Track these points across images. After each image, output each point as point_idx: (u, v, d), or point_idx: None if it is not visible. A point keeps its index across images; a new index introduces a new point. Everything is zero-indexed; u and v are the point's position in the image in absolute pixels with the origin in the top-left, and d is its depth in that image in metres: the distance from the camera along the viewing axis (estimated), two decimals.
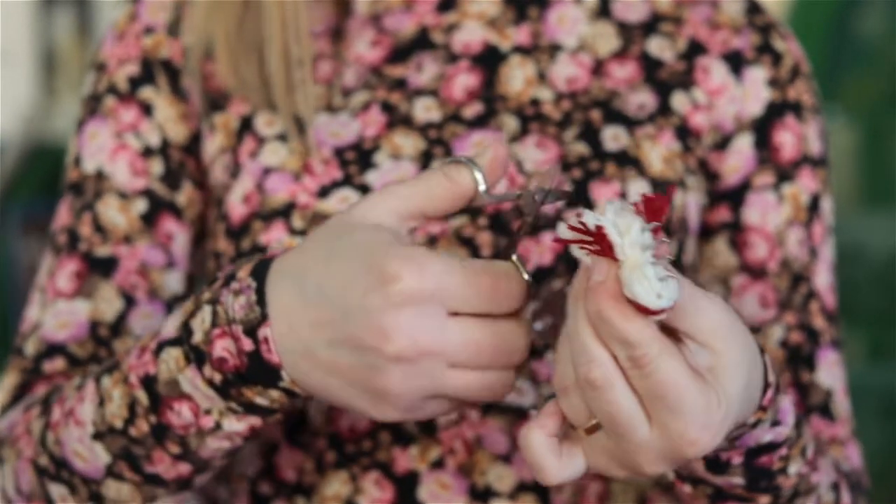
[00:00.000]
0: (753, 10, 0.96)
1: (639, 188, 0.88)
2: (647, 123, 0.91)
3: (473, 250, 0.86)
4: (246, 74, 0.92)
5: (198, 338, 0.76)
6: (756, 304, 0.92)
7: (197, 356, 0.76)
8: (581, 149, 0.89)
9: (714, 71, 0.93)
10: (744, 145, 0.93)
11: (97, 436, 0.81)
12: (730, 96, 0.93)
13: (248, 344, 0.74)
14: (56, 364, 0.91)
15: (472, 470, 0.87)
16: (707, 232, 0.94)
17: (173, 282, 0.93)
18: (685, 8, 0.95)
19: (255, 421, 0.77)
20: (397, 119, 0.91)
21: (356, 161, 0.89)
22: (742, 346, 0.68)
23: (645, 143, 0.90)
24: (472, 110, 0.91)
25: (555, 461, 0.69)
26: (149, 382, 0.78)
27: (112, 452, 0.81)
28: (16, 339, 0.94)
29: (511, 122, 0.90)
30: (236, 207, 0.90)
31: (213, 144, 0.93)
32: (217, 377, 0.76)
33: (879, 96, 2.65)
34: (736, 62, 0.94)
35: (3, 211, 3.00)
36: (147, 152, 0.94)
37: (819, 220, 0.94)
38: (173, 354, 0.77)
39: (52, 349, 0.91)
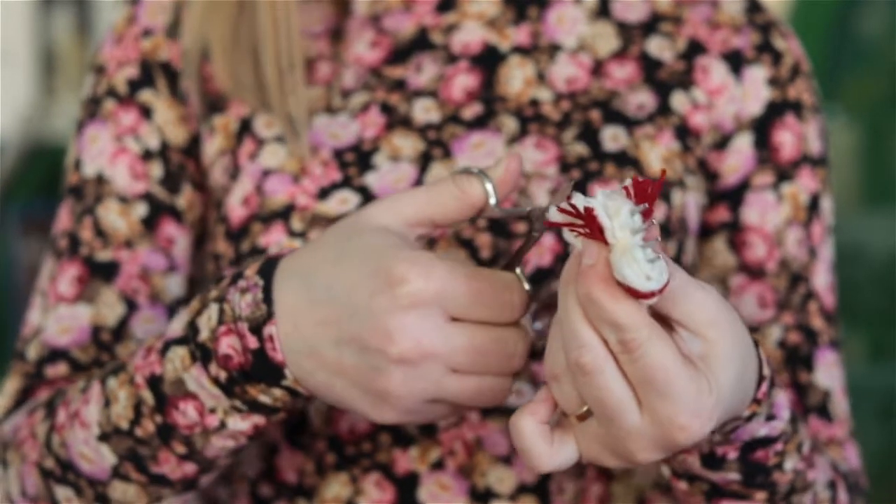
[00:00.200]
0: (754, 8, 0.96)
1: None
2: (646, 123, 0.91)
3: (473, 252, 0.87)
4: (242, 76, 0.92)
5: (204, 335, 0.76)
6: (754, 305, 0.92)
7: (203, 354, 0.77)
8: (580, 149, 0.89)
9: (714, 70, 0.93)
10: (743, 145, 0.93)
11: (103, 437, 0.81)
12: (729, 96, 0.93)
13: (253, 341, 0.75)
14: (58, 369, 0.91)
15: (472, 471, 0.87)
16: (706, 232, 0.94)
17: (174, 286, 0.93)
18: (685, 7, 0.95)
19: (260, 420, 0.78)
20: (396, 120, 0.91)
21: (355, 163, 0.89)
22: (735, 337, 0.68)
23: (644, 143, 0.90)
24: (472, 111, 0.91)
25: (545, 447, 0.70)
26: (154, 382, 0.78)
27: (118, 453, 0.81)
28: (17, 343, 0.94)
29: (510, 123, 0.90)
30: (235, 209, 0.90)
31: (212, 146, 0.93)
32: (222, 375, 0.76)
33: (880, 96, 2.64)
34: (736, 62, 0.94)
35: (2, 211, 3.00)
36: (147, 155, 0.94)
37: (818, 220, 0.94)
38: (179, 353, 0.77)
39: (55, 354, 0.91)
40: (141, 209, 0.93)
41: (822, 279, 0.94)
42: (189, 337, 0.77)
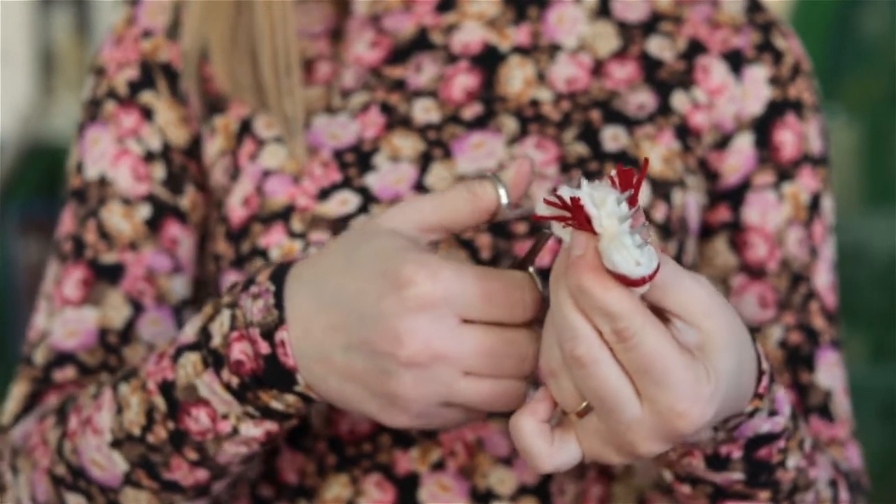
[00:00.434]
0: (754, 8, 0.96)
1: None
2: (646, 123, 0.91)
3: (473, 252, 0.86)
4: (241, 77, 0.92)
5: (216, 341, 0.76)
6: (755, 305, 0.92)
7: (215, 360, 0.76)
8: (580, 149, 0.89)
9: (714, 70, 0.93)
10: (744, 144, 0.93)
11: (115, 444, 0.81)
12: (730, 95, 0.93)
13: (264, 347, 0.75)
14: (66, 373, 0.91)
15: (472, 472, 0.86)
16: (707, 232, 0.93)
17: (180, 287, 0.93)
18: (685, 7, 0.95)
19: (272, 426, 0.78)
20: (396, 120, 0.90)
21: (355, 163, 0.89)
22: (731, 328, 0.68)
23: (644, 143, 0.90)
24: (472, 111, 0.91)
25: (546, 447, 0.69)
26: (167, 388, 0.78)
27: (130, 460, 0.81)
28: (23, 348, 0.94)
29: (510, 123, 0.90)
30: (236, 210, 0.90)
31: (213, 147, 0.93)
32: (234, 381, 0.76)
33: (880, 95, 2.64)
34: (736, 61, 0.93)
35: (1, 210, 3.00)
36: (149, 157, 0.94)
37: (819, 220, 0.94)
38: (191, 359, 0.77)
39: (62, 358, 0.91)
40: (144, 211, 0.93)
41: (823, 279, 0.94)
42: (201, 343, 0.77)
